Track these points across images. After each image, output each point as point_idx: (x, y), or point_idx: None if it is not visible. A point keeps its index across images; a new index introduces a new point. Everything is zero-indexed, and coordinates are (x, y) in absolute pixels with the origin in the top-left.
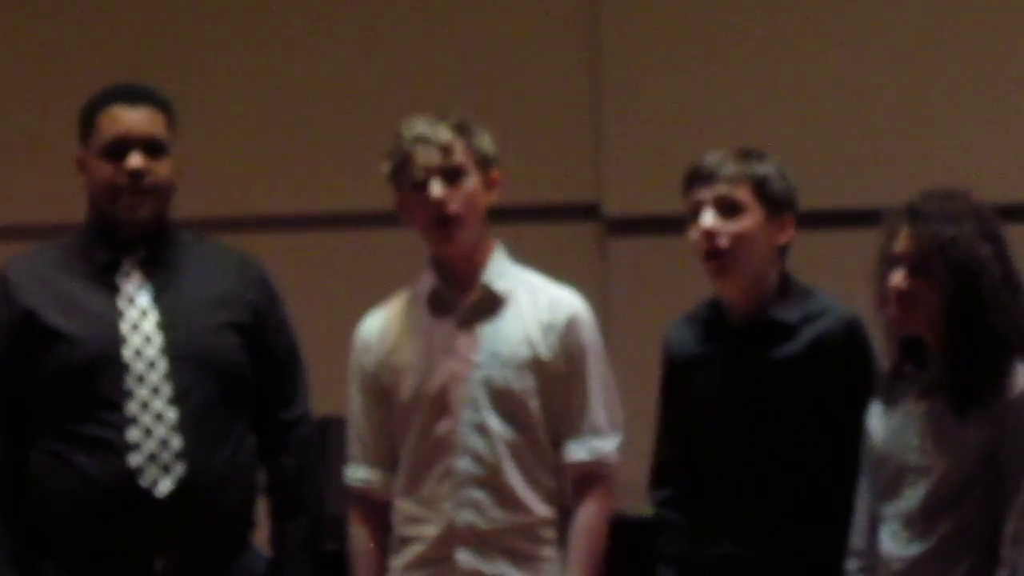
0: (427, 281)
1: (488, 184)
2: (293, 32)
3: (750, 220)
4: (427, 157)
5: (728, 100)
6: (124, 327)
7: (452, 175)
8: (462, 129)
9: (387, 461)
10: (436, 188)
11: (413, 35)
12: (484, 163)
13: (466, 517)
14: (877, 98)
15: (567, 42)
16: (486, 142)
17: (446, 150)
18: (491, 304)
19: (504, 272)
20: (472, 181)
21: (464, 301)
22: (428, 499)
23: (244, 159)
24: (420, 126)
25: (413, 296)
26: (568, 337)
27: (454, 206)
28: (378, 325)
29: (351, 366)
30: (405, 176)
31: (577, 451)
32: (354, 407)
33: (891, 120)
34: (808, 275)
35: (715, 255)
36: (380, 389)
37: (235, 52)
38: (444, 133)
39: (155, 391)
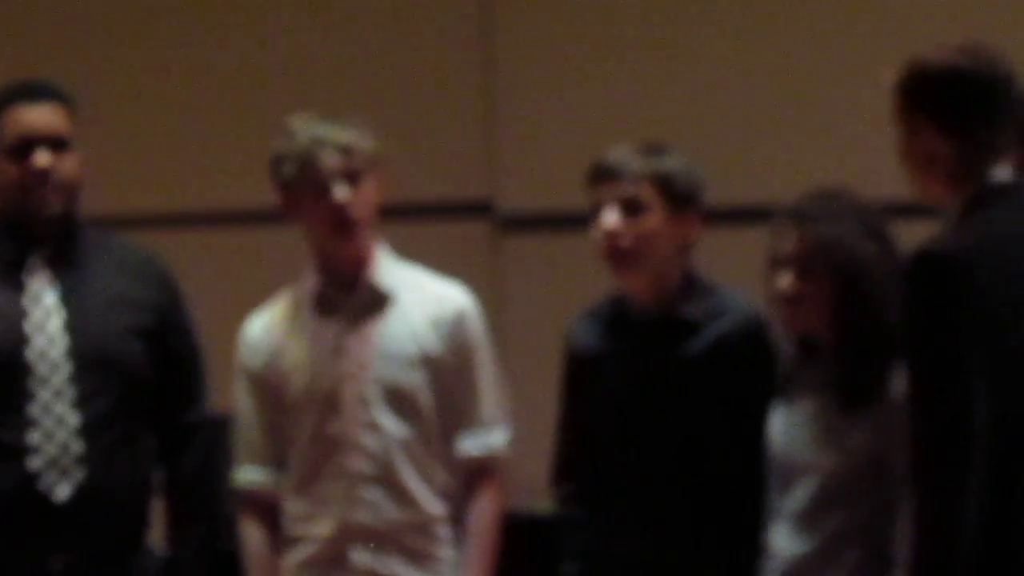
0: (312, 281)
1: (380, 185)
2: (185, 29)
3: (653, 219)
4: (330, 160)
5: (622, 96)
6: (28, 327)
7: (353, 177)
8: (358, 129)
9: (276, 461)
10: (341, 192)
11: (304, 30)
12: (377, 163)
13: (360, 516)
14: (773, 93)
15: (460, 37)
16: (376, 143)
17: (348, 152)
18: (378, 302)
19: (389, 270)
20: (368, 182)
21: (350, 301)
22: (320, 498)
23: (134, 157)
24: (319, 127)
25: (298, 296)
26: (456, 332)
27: (356, 209)
28: (264, 326)
29: (237, 367)
30: (304, 180)
31: (469, 446)
32: (241, 408)
33: (787, 116)
34: (713, 272)
35: (618, 254)
36: (268, 389)
37: (128, 50)
38: (344, 135)
39: (58, 394)
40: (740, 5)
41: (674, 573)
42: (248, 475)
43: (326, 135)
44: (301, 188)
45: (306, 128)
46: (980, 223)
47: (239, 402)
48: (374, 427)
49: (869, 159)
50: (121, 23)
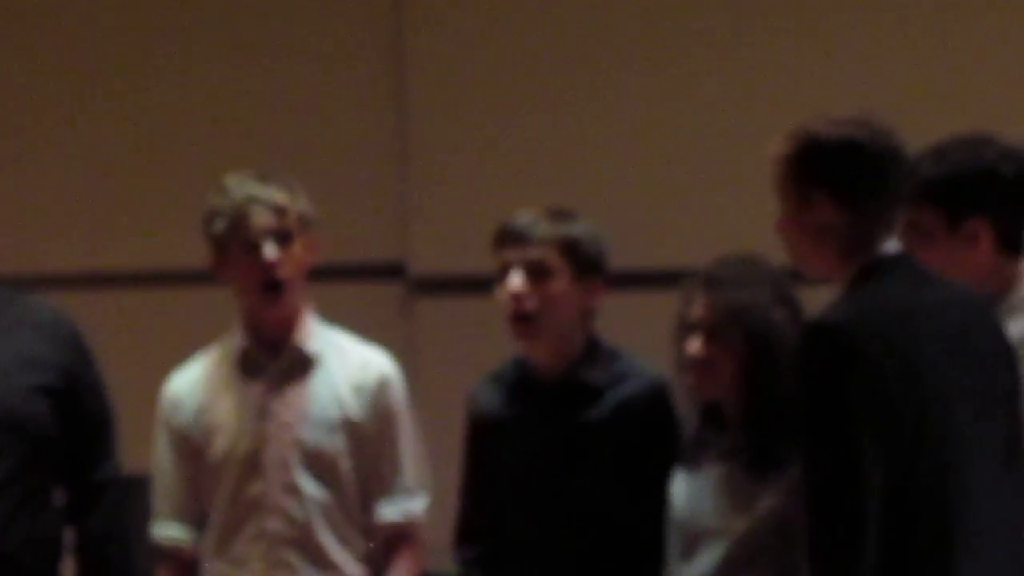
0: (237, 341)
1: (310, 247)
2: (106, 86)
3: (559, 283)
4: (262, 219)
5: (533, 161)
6: None
7: (284, 238)
8: (291, 190)
9: (196, 519)
10: (270, 251)
11: (220, 93)
12: (307, 225)
13: None
14: (684, 159)
15: (373, 101)
16: (308, 203)
17: (280, 212)
18: (302, 366)
19: (314, 333)
20: (299, 244)
21: (275, 363)
22: (239, 559)
23: (54, 214)
24: (253, 186)
25: (222, 355)
26: (379, 398)
27: (285, 270)
28: (188, 383)
29: (159, 423)
30: (235, 237)
31: (389, 512)
32: (163, 464)
33: (697, 181)
34: (617, 336)
35: (522, 318)
36: (190, 447)
37: (42, 106)
38: (278, 195)
39: None
40: (650, 72)
41: None
42: (167, 531)
43: (259, 194)
44: (232, 245)
45: (240, 186)
46: (870, 295)
47: (160, 458)
48: (294, 490)
49: (756, 225)
50: (34, 79)
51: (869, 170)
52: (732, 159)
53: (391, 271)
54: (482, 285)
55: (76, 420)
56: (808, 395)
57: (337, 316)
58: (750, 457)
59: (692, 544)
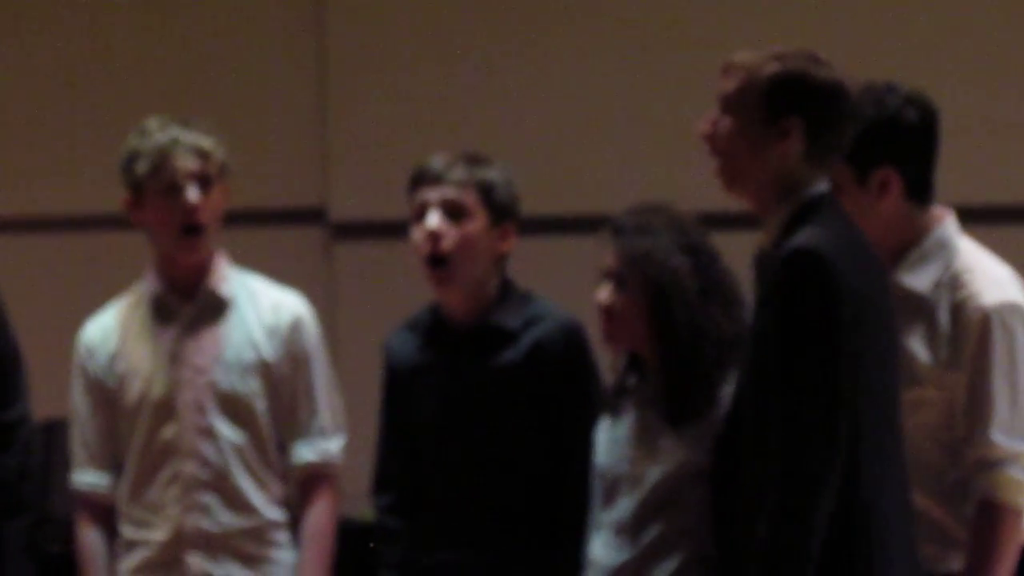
0: (150, 286)
1: (225, 193)
2: (17, 32)
3: (474, 225)
4: (185, 162)
5: (451, 108)
6: None
7: (205, 182)
8: (215, 138)
9: (113, 465)
10: (192, 194)
11: (139, 35)
12: (225, 172)
13: (194, 521)
14: (600, 105)
15: (293, 46)
16: (226, 150)
17: (204, 156)
18: (215, 309)
19: (227, 277)
20: (218, 190)
21: (188, 307)
22: (155, 504)
23: None
24: (176, 129)
25: (136, 301)
26: (292, 340)
27: (205, 214)
28: (101, 330)
29: (75, 370)
30: (157, 179)
31: (304, 452)
32: (79, 411)
33: (612, 128)
34: (532, 282)
35: (438, 260)
36: (105, 394)
37: None
38: (202, 139)
39: None
40: (564, 21)
41: (478, 553)
42: (85, 478)
43: (183, 137)
44: (152, 187)
45: (163, 128)
46: (833, 227)
47: (76, 404)
48: (210, 433)
49: (692, 170)
50: None
51: (846, 117)
52: (649, 105)
53: (312, 216)
54: (401, 230)
55: None
56: (796, 316)
57: (259, 260)
58: (665, 405)
59: (610, 490)
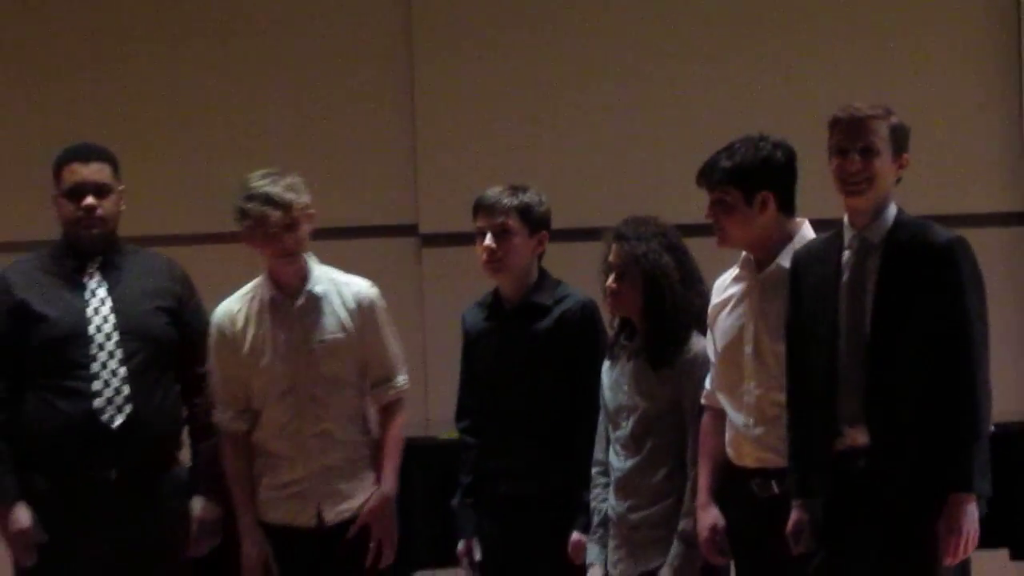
0: (265, 287)
1: (310, 220)
2: (155, 76)
3: (517, 238)
4: (274, 217)
5: (510, 142)
6: (89, 311)
7: (291, 225)
8: (298, 189)
9: (243, 406)
10: (285, 241)
11: (256, 83)
12: (308, 210)
13: (323, 453)
14: (614, 148)
15: (386, 94)
16: (307, 195)
17: (288, 207)
18: (313, 302)
19: (319, 279)
20: (304, 225)
21: (294, 302)
22: (285, 447)
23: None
24: (268, 186)
25: (253, 294)
26: (367, 314)
27: (291, 246)
28: (231, 312)
29: (212, 338)
30: (260, 228)
31: (387, 389)
32: (215, 369)
33: (619, 162)
34: (560, 272)
35: (493, 262)
36: (237, 361)
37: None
38: (287, 194)
39: (111, 355)
40: (603, 79)
41: (531, 477)
42: (223, 415)
43: (272, 194)
44: (254, 232)
45: (259, 186)
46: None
47: (214, 365)
48: (322, 386)
49: (671, 191)
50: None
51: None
52: (646, 139)
53: (406, 230)
54: (473, 239)
55: (184, 330)
56: (975, 278)
57: (363, 266)
58: (649, 356)
59: (615, 416)
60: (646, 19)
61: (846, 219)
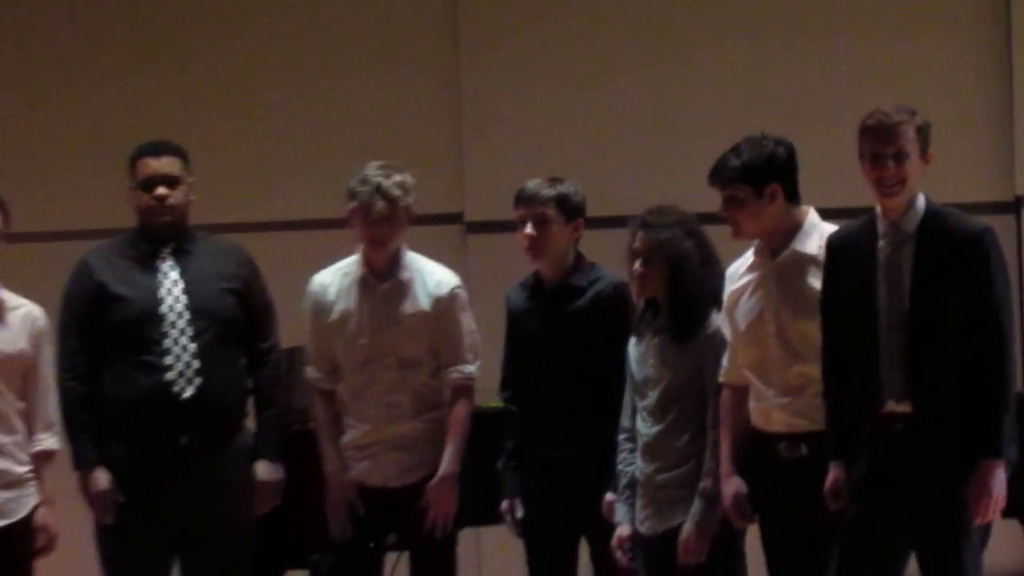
0: (359, 267)
1: (408, 214)
2: (207, 77)
3: (555, 226)
4: (380, 208)
5: (551, 136)
6: (162, 292)
7: (392, 220)
8: (406, 186)
9: (331, 368)
10: (384, 229)
11: (307, 86)
12: (407, 204)
13: (393, 422)
14: (636, 142)
15: (433, 89)
16: (411, 192)
17: (394, 201)
18: (400, 286)
19: (407, 265)
20: (403, 219)
21: (383, 284)
22: (361, 412)
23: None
24: (380, 178)
25: (347, 271)
26: (447, 302)
27: (389, 235)
28: (324, 283)
29: (307, 304)
30: (365, 215)
31: (454, 372)
32: (309, 334)
33: (645, 156)
34: (593, 257)
35: (533, 248)
36: (326, 328)
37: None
38: (394, 190)
39: (182, 332)
40: (629, 74)
41: (569, 443)
42: (314, 373)
43: (383, 185)
44: (361, 218)
45: (374, 175)
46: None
47: (308, 330)
48: (397, 366)
49: (693, 182)
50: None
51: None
52: (661, 137)
53: (452, 218)
54: (514, 226)
55: (249, 310)
56: (1002, 264)
57: (417, 249)
58: (673, 332)
59: (642, 387)
60: (677, 23)
61: (878, 209)
